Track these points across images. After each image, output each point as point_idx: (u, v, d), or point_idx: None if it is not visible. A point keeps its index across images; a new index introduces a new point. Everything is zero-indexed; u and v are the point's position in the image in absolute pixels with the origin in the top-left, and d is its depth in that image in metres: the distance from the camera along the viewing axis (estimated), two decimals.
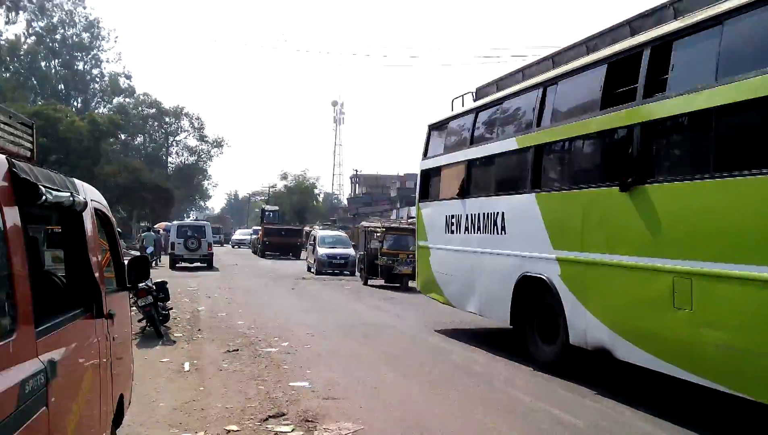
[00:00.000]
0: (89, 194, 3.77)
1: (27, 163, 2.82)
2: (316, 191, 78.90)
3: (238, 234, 63.93)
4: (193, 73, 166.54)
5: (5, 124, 2.91)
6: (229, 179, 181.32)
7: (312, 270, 28.20)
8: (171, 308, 12.30)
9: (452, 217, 11.56)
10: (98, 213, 3.97)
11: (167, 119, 69.25)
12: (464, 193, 11.18)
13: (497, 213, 9.97)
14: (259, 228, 49.36)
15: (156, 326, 10.88)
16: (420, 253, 13.17)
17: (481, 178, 11.01)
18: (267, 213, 50.92)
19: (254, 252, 45.99)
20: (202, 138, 71.65)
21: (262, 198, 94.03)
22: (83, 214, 3.45)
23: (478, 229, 10.53)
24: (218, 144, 72.12)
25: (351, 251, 28.73)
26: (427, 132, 13.17)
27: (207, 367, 8.75)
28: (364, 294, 19.84)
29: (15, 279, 2.34)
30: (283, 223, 48.08)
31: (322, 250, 27.77)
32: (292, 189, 70.55)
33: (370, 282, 22.43)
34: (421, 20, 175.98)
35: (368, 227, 24.34)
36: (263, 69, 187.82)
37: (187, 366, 8.69)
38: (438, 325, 13.14)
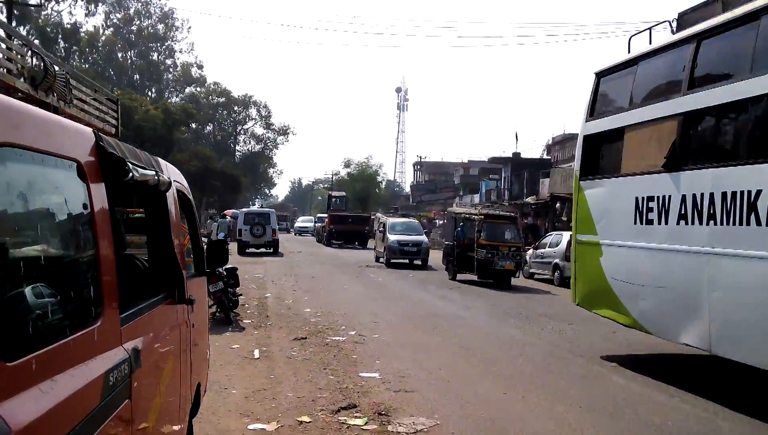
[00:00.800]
0: (172, 174, 3.63)
1: (112, 138, 2.66)
2: (379, 178, 79.00)
3: (301, 221, 63.59)
4: (262, 62, 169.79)
5: (92, 98, 2.76)
6: (293, 167, 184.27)
7: (381, 259, 26.78)
8: (240, 295, 12.36)
9: (650, 199, 8.12)
10: (180, 194, 3.83)
11: (236, 108, 70.58)
12: (678, 162, 7.68)
13: (756, 192, 6.42)
14: (324, 215, 49.25)
15: (226, 312, 10.93)
16: (581, 252, 9.64)
17: (716, 138, 7.76)
18: (334, 199, 48.56)
19: (319, 240, 44.86)
20: (268, 126, 72.71)
21: (325, 186, 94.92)
22: (167, 194, 3.30)
23: (712, 217, 7.04)
24: (284, 132, 73.02)
25: (423, 238, 26.90)
26: (595, 83, 9.72)
27: (276, 354, 8.70)
28: (461, 293, 16.96)
29: (101, 261, 2.18)
30: (349, 210, 46.08)
31: (393, 237, 25.96)
32: (355, 176, 70.75)
33: (459, 276, 20.22)
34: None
35: (460, 213, 21.73)
36: (329, 56, 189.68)
37: (257, 353, 8.65)
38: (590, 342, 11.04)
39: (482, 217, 19.53)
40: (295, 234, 57.83)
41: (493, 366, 8.41)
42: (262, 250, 29.59)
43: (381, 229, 28.25)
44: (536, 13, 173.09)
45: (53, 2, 49.33)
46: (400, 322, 11.77)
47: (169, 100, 54.25)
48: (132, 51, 59.92)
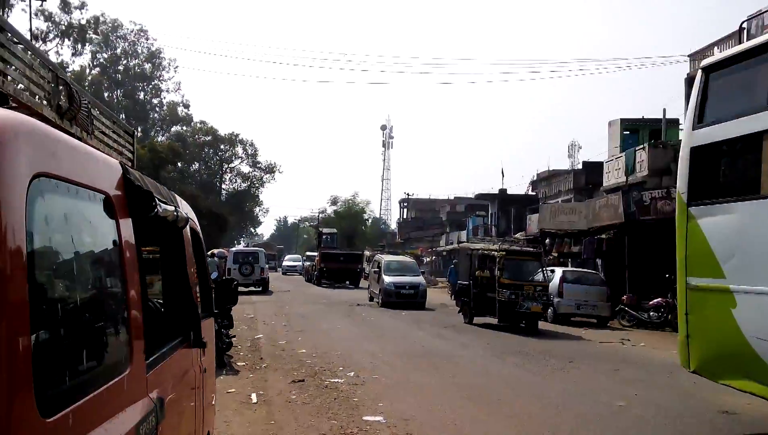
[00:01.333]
0: (186, 210, 3.47)
1: (136, 171, 2.51)
2: (365, 216, 78.90)
3: (288, 260, 61.46)
4: (248, 100, 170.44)
5: (111, 130, 2.62)
6: (279, 205, 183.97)
7: (376, 300, 25.19)
8: (234, 336, 12.05)
9: None
10: (192, 232, 3.66)
11: (222, 146, 70.48)
12: None
13: None
14: (313, 253, 48.09)
15: (220, 355, 10.61)
16: (698, 301, 7.32)
17: None
18: (324, 236, 45.48)
19: (308, 279, 42.99)
20: (255, 164, 72.60)
21: (311, 224, 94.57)
22: (183, 231, 3.13)
23: None
24: (270, 170, 72.89)
25: (421, 280, 25.57)
26: (702, 81, 7.56)
27: (274, 398, 8.40)
28: (486, 342, 14.47)
29: (130, 304, 2.02)
30: (339, 248, 43.81)
31: (388, 278, 24.13)
32: (341, 214, 70.61)
33: (476, 319, 18.00)
34: (474, 36, 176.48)
35: (476, 249, 19.09)
36: (315, 94, 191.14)
37: (254, 397, 8.35)
38: None
39: (503, 253, 17.33)
40: (283, 273, 56.20)
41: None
42: (251, 288, 29.49)
43: (376, 268, 26.47)
44: (518, 50, 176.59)
45: (40, 42, 49.36)
46: (398, 361, 11.50)
47: (156, 139, 54.10)
48: (119, 90, 59.88)
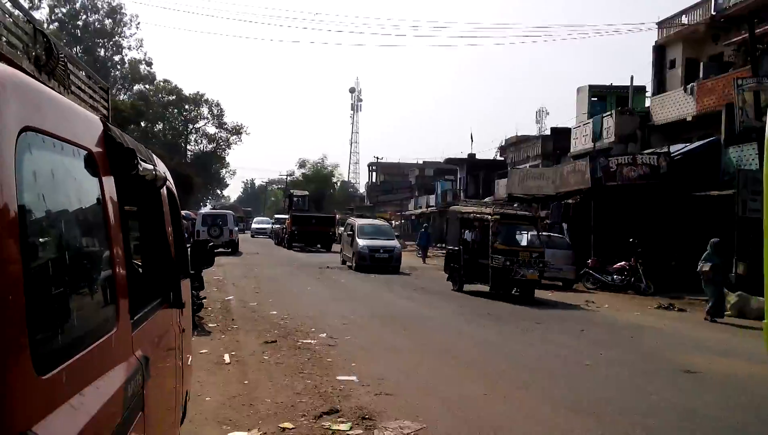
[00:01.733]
0: (162, 169, 3.40)
1: (117, 128, 2.45)
2: (334, 179, 78.56)
3: (257, 222, 60.28)
4: (214, 59, 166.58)
5: (85, 85, 2.54)
6: (246, 167, 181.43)
7: (348, 264, 24.81)
8: (204, 298, 12.00)
9: None
10: (168, 191, 3.60)
11: (187, 106, 69.04)
12: None
13: None
14: (283, 216, 47.55)
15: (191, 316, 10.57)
16: None
17: None
18: (295, 199, 44.38)
19: (278, 242, 42.59)
20: (221, 125, 71.39)
21: (279, 186, 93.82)
22: (161, 191, 3.08)
23: None
24: (237, 131, 71.80)
25: (395, 243, 24.93)
26: None
27: (248, 359, 8.43)
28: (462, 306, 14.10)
29: (115, 262, 1.98)
30: (310, 210, 42.65)
31: (362, 242, 23.75)
32: (309, 177, 70.26)
33: (467, 287, 17.28)
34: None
35: (468, 213, 17.84)
36: (282, 55, 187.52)
37: (227, 358, 8.36)
38: None
39: (498, 217, 16.27)
40: (252, 235, 55.17)
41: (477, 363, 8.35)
42: (221, 249, 29.23)
43: (349, 232, 25.94)
44: (488, 15, 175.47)
45: None
46: (368, 322, 11.62)
47: (118, 98, 52.66)
48: (78, 47, 57.79)
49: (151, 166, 2.67)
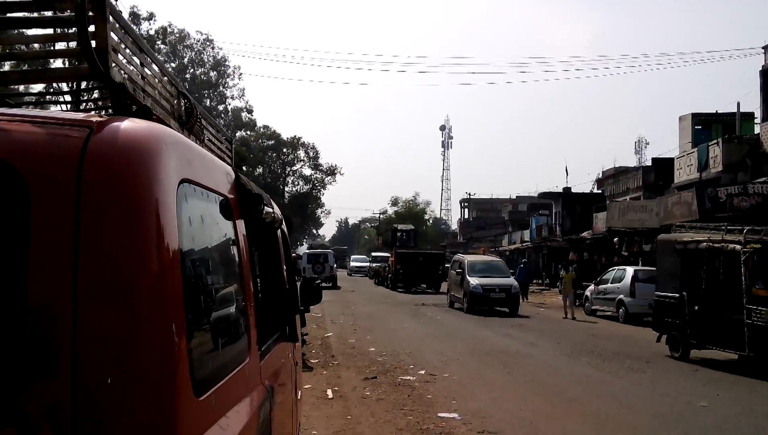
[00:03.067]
0: (278, 212, 3.65)
1: (245, 176, 2.70)
2: (426, 216, 78.81)
3: (355, 260, 58.23)
4: (309, 104, 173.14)
5: (214, 137, 2.81)
6: (340, 207, 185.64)
7: (458, 306, 22.53)
8: (306, 334, 12.35)
9: None
10: (281, 232, 3.85)
11: (284, 150, 71.98)
12: None
13: None
14: (380, 254, 46.24)
15: None
16: None
17: None
18: (400, 233, 40.06)
19: (377, 282, 40.14)
20: (316, 167, 73.76)
21: (372, 225, 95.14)
22: (277, 232, 3.32)
23: None
24: (332, 172, 73.90)
25: (512, 281, 22.45)
26: None
27: (349, 394, 8.59)
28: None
29: (247, 298, 2.18)
30: (416, 247, 39.04)
31: (474, 281, 21.53)
32: (402, 214, 70.83)
33: (699, 353, 11.92)
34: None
35: (695, 242, 11.86)
36: (373, 97, 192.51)
37: (330, 393, 8.57)
38: None
39: (758, 246, 10.71)
40: (349, 273, 53.93)
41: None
42: (323, 284, 30.47)
43: (458, 270, 23.23)
44: (584, 46, 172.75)
45: (123, 45, 51.49)
46: (467, 359, 11.54)
47: None
48: None
49: (271, 210, 2.90)
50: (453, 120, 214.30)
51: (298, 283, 4.69)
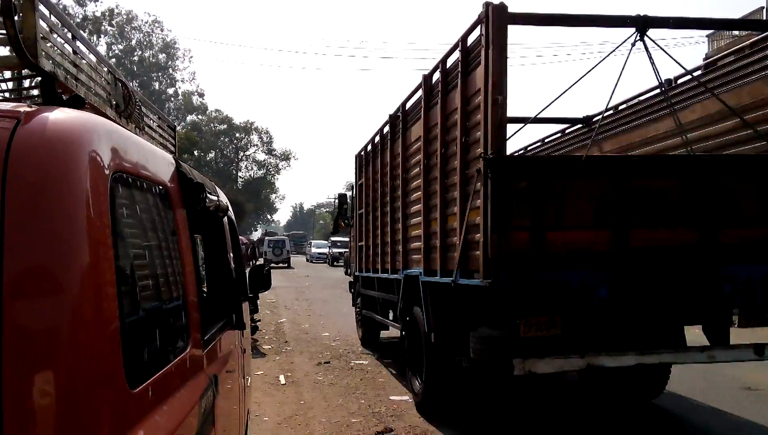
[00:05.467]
0: (224, 199, 3.63)
1: (186, 164, 2.68)
2: None
3: (316, 246, 52.54)
4: (262, 88, 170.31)
5: (156, 125, 2.78)
6: (295, 192, 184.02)
7: None
8: (259, 320, 12.31)
9: None
10: (228, 219, 3.83)
11: (237, 134, 70.97)
12: None
13: None
14: (341, 239, 45.13)
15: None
16: None
17: None
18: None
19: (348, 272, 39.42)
20: (270, 152, 73.03)
21: (327, 210, 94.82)
22: (223, 219, 3.30)
23: None
24: (286, 157, 73.28)
25: None
26: None
27: (302, 379, 8.63)
28: None
29: (188, 287, 2.18)
30: None
31: None
32: None
33: None
34: None
35: None
36: (328, 83, 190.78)
37: (282, 379, 8.59)
38: None
39: None
40: (310, 260, 50.96)
41: None
42: (281, 265, 40.14)
43: None
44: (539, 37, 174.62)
45: (55, 35, 49.68)
46: None
47: None
48: (134, 81, 60.28)
49: (215, 198, 2.89)
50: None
51: (248, 270, 4.68)
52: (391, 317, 9.29)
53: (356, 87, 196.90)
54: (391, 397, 7.54)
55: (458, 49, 5.64)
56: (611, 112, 7.67)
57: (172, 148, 3.11)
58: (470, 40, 5.49)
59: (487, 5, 4.91)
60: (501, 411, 7.18)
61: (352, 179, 12.28)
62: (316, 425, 6.46)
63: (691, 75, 6.40)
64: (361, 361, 9.80)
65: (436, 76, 6.53)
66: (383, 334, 11.13)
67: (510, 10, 4.91)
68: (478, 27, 5.15)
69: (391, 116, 8.56)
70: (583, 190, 5.14)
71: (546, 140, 9.82)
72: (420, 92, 7.09)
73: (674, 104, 6.26)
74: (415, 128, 7.29)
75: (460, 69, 5.59)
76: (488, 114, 4.93)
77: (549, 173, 5.08)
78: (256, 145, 72.89)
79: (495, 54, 4.89)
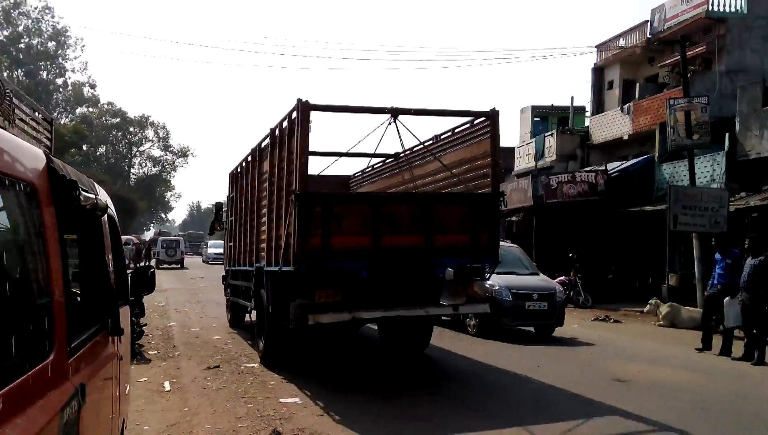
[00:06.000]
0: (104, 196, 3.47)
1: (59, 160, 2.55)
2: None
3: (213, 247, 45.95)
4: (160, 82, 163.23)
5: (29, 117, 2.63)
6: (191, 190, 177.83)
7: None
8: (145, 325, 11.82)
9: None
10: (109, 218, 3.67)
11: (131, 129, 67.87)
12: None
13: None
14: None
15: (131, 344, 10.37)
16: None
17: None
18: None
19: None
20: (166, 148, 70.43)
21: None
22: (102, 219, 3.16)
23: None
24: (183, 154, 70.93)
25: (551, 283, 13.79)
26: None
27: (189, 385, 8.36)
28: None
29: (54, 291, 2.08)
30: None
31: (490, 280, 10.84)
32: None
33: None
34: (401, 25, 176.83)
35: None
36: (228, 79, 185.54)
37: (167, 385, 8.28)
38: None
39: None
40: (206, 261, 47.29)
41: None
42: (174, 266, 39.80)
43: None
44: (436, 38, 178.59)
45: None
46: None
47: (59, 122, 51.25)
48: (19, 70, 56.00)
49: (92, 196, 2.77)
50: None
51: (130, 272, 4.50)
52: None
53: (260, 85, 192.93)
54: (281, 400, 7.48)
55: (286, 121, 8.49)
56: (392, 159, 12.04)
57: (48, 143, 2.94)
58: (291, 117, 8.29)
59: (299, 101, 7.90)
60: (324, 361, 10.21)
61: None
62: (201, 432, 6.29)
63: (422, 144, 10.40)
64: (253, 364, 9.64)
65: (277, 132, 9.15)
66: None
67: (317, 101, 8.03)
68: (294, 112, 8.07)
69: (252, 150, 11.00)
70: (355, 212, 8.21)
71: (366, 170, 13.61)
72: (268, 140, 9.71)
73: (415, 160, 11.01)
74: (265, 163, 9.77)
75: (287, 134, 8.46)
76: (297, 166, 7.84)
77: (333, 202, 8.17)
78: (152, 140, 70.10)
79: (302, 130, 7.84)
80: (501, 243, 11.38)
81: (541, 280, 13.56)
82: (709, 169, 19.01)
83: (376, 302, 8.31)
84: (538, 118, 34.86)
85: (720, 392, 8.32)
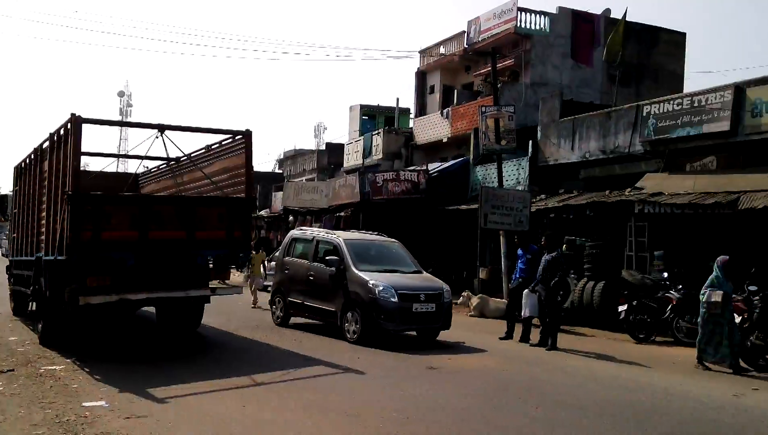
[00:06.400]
0: None
1: None
2: None
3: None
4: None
5: None
6: None
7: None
8: None
9: None
10: None
11: None
12: None
13: None
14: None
15: None
16: None
17: None
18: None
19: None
20: None
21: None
22: None
23: None
24: None
25: (437, 283, 12.24)
26: None
27: None
28: None
29: None
30: None
31: (371, 279, 11.21)
32: None
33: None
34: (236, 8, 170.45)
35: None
36: (43, 52, 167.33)
37: None
38: None
39: None
40: (5, 254, 43.77)
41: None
42: None
43: (320, 254, 12.68)
44: (267, 29, 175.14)
45: None
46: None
47: None
48: None
49: None
50: (134, 87, 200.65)
51: None
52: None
53: (74, 62, 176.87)
54: (84, 404, 6.95)
55: (63, 129, 9.71)
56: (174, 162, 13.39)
57: None
58: (66, 127, 9.52)
59: (72, 114, 9.23)
60: (105, 340, 11.34)
61: None
62: None
63: (188, 156, 12.26)
64: (54, 367, 8.87)
65: (56, 137, 10.22)
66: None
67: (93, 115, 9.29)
68: (69, 123, 9.32)
69: (35, 149, 11.84)
70: (124, 211, 9.64)
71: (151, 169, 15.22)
72: (47, 143, 10.72)
73: (186, 167, 12.92)
74: (46, 163, 10.78)
75: (63, 141, 9.68)
76: (70, 169, 9.17)
77: (103, 202, 9.57)
78: None
79: (75, 139, 9.20)
80: (378, 237, 13.29)
81: (426, 278, 12.48)
82: (515, 173, 20.80)
83: (142, 286, 9.71)
84: (366, 117, 35.92)
85: (517, 375, 9.16)
